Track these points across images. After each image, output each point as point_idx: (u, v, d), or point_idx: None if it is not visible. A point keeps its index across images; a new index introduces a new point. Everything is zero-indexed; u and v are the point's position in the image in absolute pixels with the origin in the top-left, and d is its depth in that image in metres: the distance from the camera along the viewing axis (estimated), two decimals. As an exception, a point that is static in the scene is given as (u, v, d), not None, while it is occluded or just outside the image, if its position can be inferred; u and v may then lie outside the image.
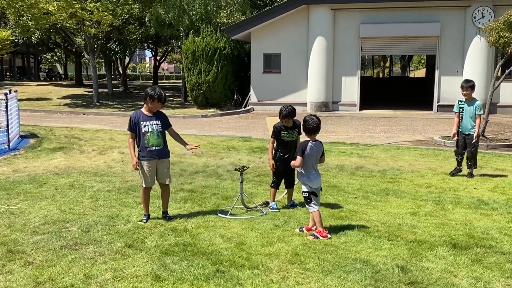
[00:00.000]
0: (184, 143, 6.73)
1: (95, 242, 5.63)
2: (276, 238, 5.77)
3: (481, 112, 9.36)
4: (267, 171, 9.59)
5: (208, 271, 4.76)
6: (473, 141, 9.25)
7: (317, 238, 5.76)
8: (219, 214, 6.74)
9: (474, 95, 9.64)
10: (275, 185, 7.23)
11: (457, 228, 6.23)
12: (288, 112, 6.93)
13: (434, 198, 7.80)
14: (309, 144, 5.98)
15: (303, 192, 6.06)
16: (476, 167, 9.55)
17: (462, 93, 9.39)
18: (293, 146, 6.92)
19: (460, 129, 9.56)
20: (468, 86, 9.29)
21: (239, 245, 5.52)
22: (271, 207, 7.08)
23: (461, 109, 9.49)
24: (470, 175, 9.41)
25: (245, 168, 7.03)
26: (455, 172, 9.61)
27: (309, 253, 5.28)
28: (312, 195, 6.00)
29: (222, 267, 4.86)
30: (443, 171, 10.05)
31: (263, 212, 6.87)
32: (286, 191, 7.40)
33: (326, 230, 5.85)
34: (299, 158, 5.95)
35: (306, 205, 6.09)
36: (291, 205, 7.27)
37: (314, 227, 6.01)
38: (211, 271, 4.76)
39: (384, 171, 10.02)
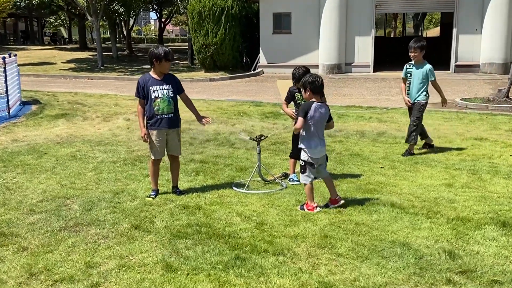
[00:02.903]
0: (198, 114, 6.03)
1: (98, 222, 5.03)
2: (300, 216, 5.14)
3: (434, 78, 7.75)
4: (284, 139, 8.94)
5: (226, 258, 4.14)
6: (442, 106, 8.03)
7: (302, 209, 5.29)
8: (234, 188, 6.12)
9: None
10: (295, 155, 6.56)
11: (501, 202, 5.57)
12: (301, 75, 6.22)
13: (468, 167, 7.12)
14: (314, 104, 5.28)
15: (301, 160, 5.44)
16: (416, 143, 7.94)
17: (410, 55, 7.77)
18: None
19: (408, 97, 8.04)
20: (417, 46, 7.64)
21: (260, 225, 4.90)
22: (291, 180, 6.44)
23: (408, 74, 7.94)
24: (407, 152, 7.82)
25: (262, 138, 6.36)
26: (424, 147, 8.20)
27: (339, 234, 4.65)
28: (308, 166, 5.35)
29: (242, 253, 4.25)
30: (471, 136, 9.35)
31: (282, 186, 6.24)
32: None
33: (315, 204, 5.31)
34: (300, 119, 5.27)
35: (300, 174, 5.49)
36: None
37: (338, 196, 5.43)
38: (230, 258, 4.14)
39: (409, 137, 9.30)
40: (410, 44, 7.74)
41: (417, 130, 7.91)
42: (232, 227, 4.86)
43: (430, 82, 7.83)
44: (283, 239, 4.55)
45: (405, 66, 8.08)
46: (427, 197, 5.78)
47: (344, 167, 7.20)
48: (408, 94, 8.03)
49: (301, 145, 5.41)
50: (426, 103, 7.96)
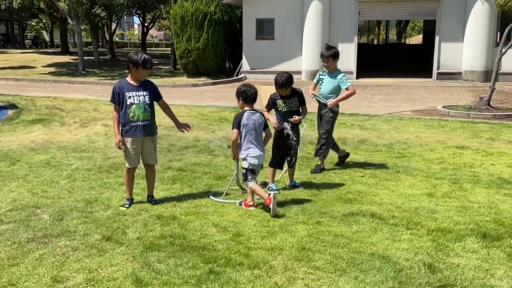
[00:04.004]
0: (176, 121, 5.91)
1: (68, 233, 4.84)
2: (278, 227, 5.00)
3: (348, 85, 7.08)
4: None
5: (199, 272, 3.98)
6: (329, 106, 7.13)
7: (240, 205, 5.65)
8: (211, 197, 5.97)
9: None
10: (275, 164, 6.42)
11: (482, 213, 5.49)
12: (284, 80, 6.14)
13: (449, 176, 7.05)
14: (246, 113, 5.52)
15: (241, 168, 5.67)
16: (326, 157, 7.42)
17: (323, 64, 7.19)
18: None
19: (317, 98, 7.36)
20: (329, 55, 7.03)
21: (236, 236, 4.75)
22: (270, 189, 6.28)
23: (320, 81, 7.32)
24: (318, 168, 7.33)
25: (241, 145, 6.22)
26: (339, 164, 7.66)
27: (317, 246, 4.52)
28: (249, 172, 5.58)
29: (216, 266, 4.09)
30: (453, 144, 9.31)
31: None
32: (285, 169, 6.64)
33: (252, 202, 5.62)
34: (234, 131, 5.58)
35: (244, 181, 5.74)
36: (293, 186, 6.50)
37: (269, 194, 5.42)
38: (203, 272, 3.98)
39: (390, 144, 9.25)
40: (322, 53, 7.16)
41: (328, 143, 7.33)
42: (207, 238, 4.70)
43: (346, 90, 7.14)
44: (260, 251, 4.41)
45: (318, 72, 7.49)
46: (407, 207, 5.68)
47: (324, 175, 7.09)
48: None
49: (240, 155, 5.63)
50: (337, 113, 7.36)
